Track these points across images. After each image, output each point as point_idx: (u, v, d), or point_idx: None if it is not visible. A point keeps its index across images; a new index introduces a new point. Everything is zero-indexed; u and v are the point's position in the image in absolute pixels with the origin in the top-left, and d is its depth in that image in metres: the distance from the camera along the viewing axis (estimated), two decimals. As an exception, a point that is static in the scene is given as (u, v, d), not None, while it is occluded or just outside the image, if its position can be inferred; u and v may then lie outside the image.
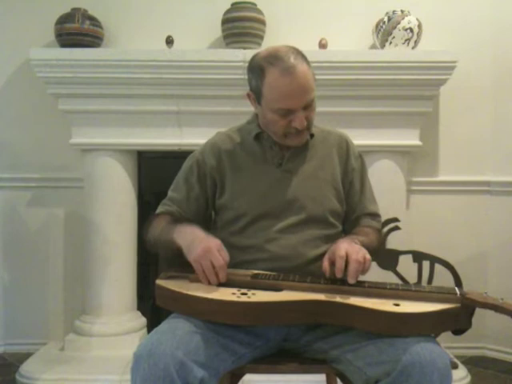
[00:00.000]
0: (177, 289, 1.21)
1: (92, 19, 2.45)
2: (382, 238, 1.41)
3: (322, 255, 1.34)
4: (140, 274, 2.60)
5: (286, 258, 1.32)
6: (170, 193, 1.48)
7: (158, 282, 1.27)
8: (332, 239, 1.39)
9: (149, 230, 1.41)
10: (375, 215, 1.49)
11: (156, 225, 1.40)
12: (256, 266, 1.31)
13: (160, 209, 1.46)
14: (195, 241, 1.23)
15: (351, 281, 1.16)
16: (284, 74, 1.26)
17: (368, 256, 1.20)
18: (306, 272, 1.28)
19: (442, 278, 1.26)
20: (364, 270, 1.18)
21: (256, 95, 1.35)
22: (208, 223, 1.48)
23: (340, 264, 1.17)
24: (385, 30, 2.40)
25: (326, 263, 1.21)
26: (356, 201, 1.46)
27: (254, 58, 1.36)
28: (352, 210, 1.46)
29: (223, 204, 1.41)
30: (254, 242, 1.35)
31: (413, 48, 2.42)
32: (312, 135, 1.43)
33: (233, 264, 1.31)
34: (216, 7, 2.51)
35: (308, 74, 1.29)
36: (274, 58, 1.29)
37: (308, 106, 1.32)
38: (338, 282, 1.19)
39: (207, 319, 1.17)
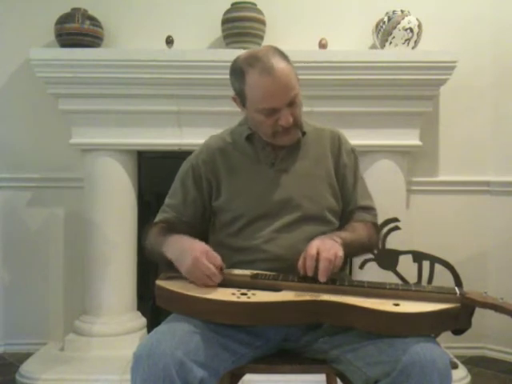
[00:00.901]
0: (176, 289, 1.21)
1: (92, 19, 2.45)
2: (379, 231, 1.41)
3: None
4: (140, 274, 2.60)
5: (284, 258, 1.32)
6: (167, 199, 1.48)
7: (158, 282, 1.27)
8: None
9: (146, 240, 1.42)
10: (369, 209, 1.48)
11: (152, 234, 1.41)
12: (255, 267, 1.31)
13: (158, 217, 1.47)
14: (182, 252, 1.24)
15: (321, 279, 1.17)
16: (263, 74, 1.28)
17: (340, 253, 1.20)
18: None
19: (442, 278, 1.26)
20: (334, 267, 1.18)
21: (240, 98, 1.36)
22: (206, 226, 1.48)
23: (310, 262, 1.18)
24: (385, 30, 2.40)
25: (300, 261, 1.21)
26: (349, 196, 1.46)
27: (234, 61, 1.37)
28: (346, 206, 1.46)
29: (220, 206, 1.41)
30: (251, 243, 1.35)
31: (413, 48, 2.42)
32: (304, 133, 1.43)
33: (231, 265, 1.31)
34: (216, 7, 2.51)
35: (288, 71, 1.30)
36: (253, 59, 1.30)
37: (292, 103, 1.32)
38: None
39: (207, 319, 1.17)
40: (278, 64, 1.29)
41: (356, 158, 1.50)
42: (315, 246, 1.20)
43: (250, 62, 1.31)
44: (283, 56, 1.33)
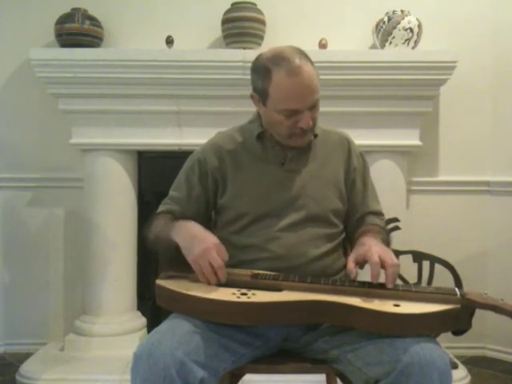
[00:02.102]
0: (177, 289, 1.21)
1: (92, 19, 2.45)
2: (388, 237, 1.41)
3: (323, 254, 1.35)
4: (140, 274, 2.60)
5: (286, 258, 1.32)
6: (171, 192, 1.48)
7: (158, 281, 1.27)
8: (333, 238, 1.40)
9: (149, 229, 1.41)
10: (379, 214, 1.49)
11: (156, 224, 1.40)
12: (256, 266, 1.31)
13: (161, 208, 1.46)
14: (193, 240, 1.23)
15: (390, 286, 1.15)
16: (291, 75, 1.26)
17: (396, 260, 1.18)
18: (307, 271, 1.28)
19: (442, 278, 1.27)
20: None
21: (261, 96, 1.34)
22: (208, 223, 1.48)
23: (377, 271, 1.15)
24: (385, 30, 2.40)
25: (351, 265, 1.20)
26: (359, 200, 1.46)
27: (258, 58, 1.35)
28: (355, 210, 1.46)
29: (224, 204, 1.41)
30: (254, 242, 1.35)
31: (413, 48, 2.42)
32: (316, 135, 1.43)
33: (233, 264, 1.31)
34: (216, 7, 2.51)
35: (313, 75, 1.30)
36: (280, 58, 1.28)
37: (313, 107, 1.32)
38: (366, 285, 1.17)
39: (207, 319, 1.17)
40: (305, 66, 1.28)
41: (365, 162, 1.51)
42: (376, 252, 1.18)
43: (276, 61, 1.29)
44: (308, 58, 1.32)
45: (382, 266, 1.15)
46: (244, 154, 1.42)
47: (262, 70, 1.32)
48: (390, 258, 1.17)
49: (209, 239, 1.23)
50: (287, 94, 1.28)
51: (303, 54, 1.31)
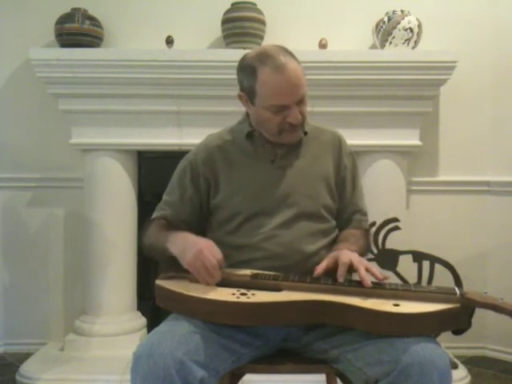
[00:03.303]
0: (176, 289, 1.21)
1: (92, 19, 2.45)
2: (369, 237, 1.43)
3: (319, 250, 1.36)
4: (140, 274, 2.60)
5: (283, 256, 1.32)
6: (164, 196, 1.49)
7: (158, 282, 1.27)
8: (328, 233, 1.41)
9: (145, 236, 1.43)
10: (365, 213, 1.52)
11: (151, 231, 1.41)
12: (254, 265, 1.31)
13: (155, 214, 1.47)
14: (186, 246, 1.24)
15: (368, 285, 1.18)
16: (276, 71, 1.29)
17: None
18: (305, 268, 1.29)
19: (442, 278, 1.26)
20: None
21: (248, 95, 1.36)
22: (203, 224, 1.48)
23: (344, 269, 1.20)
24: (385, 30, 2.40)
25: (322, 264, 1.24)
26: (348, 198, 1.48)
27: (243, 58, 1.38)
28: (345, 207, 1.48)
29: (217, 204, 1.42)
30: (249, 241, 1.35)
31: (413, 48, 2.42)
32: (305, 133, 1.43)
33: (229, 264, 1.31)
34: (216, 7, 2.51)
35: (299, 70, 1.32)
36: (265, 56, 1.31)
37: (301, 101, 1.34)
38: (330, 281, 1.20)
39: (207, 319, 1.17)
40: (290, 62, 1.30)
41: (354, 161, 1.52)
42: (348, 255, 1.23)
43: (261, 59, 1.31)
44: (292, 55, 1.34)
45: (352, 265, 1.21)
46: (235, 154, 1.43)
47: (247, 68, 1.34)
48: (361, 260, 1.22)
49: (200, 242, 1.25)
50: (274, 89, 1.30)
51: (287, 52, 1.34)
